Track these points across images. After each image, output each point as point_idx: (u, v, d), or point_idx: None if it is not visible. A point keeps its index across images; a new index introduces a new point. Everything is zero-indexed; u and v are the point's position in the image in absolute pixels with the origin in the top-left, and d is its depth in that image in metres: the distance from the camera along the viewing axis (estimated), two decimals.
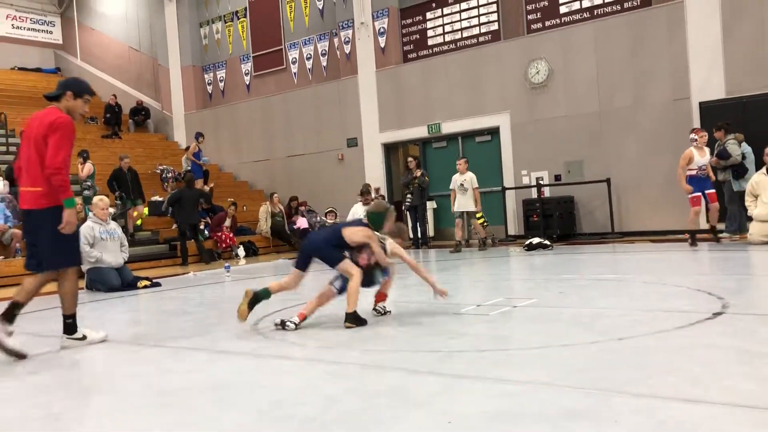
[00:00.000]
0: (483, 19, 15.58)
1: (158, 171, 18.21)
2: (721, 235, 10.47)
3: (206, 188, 15.91)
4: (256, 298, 5.44)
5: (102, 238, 9.36)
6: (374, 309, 5.61)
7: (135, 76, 22.93)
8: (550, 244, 11.87)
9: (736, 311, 4.85)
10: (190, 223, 13.49)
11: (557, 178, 14.09)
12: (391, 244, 5.51)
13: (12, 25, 24.51)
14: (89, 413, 3.36)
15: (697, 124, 12.32)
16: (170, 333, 5.63)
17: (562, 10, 14.44)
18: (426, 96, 15.95)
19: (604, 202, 13.31)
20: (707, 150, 10.52)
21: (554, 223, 13.31)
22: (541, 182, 13.97)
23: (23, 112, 19.05)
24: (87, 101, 5.22)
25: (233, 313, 6.63)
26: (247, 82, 20.11)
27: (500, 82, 14.81)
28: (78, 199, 11.25)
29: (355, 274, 5.22)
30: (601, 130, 13.59)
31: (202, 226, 14.18)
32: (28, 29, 24.94)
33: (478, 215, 13.25)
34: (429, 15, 16.40)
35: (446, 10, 16.12)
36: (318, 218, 16.21)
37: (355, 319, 5.15)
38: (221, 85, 20.80)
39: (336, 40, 17.81)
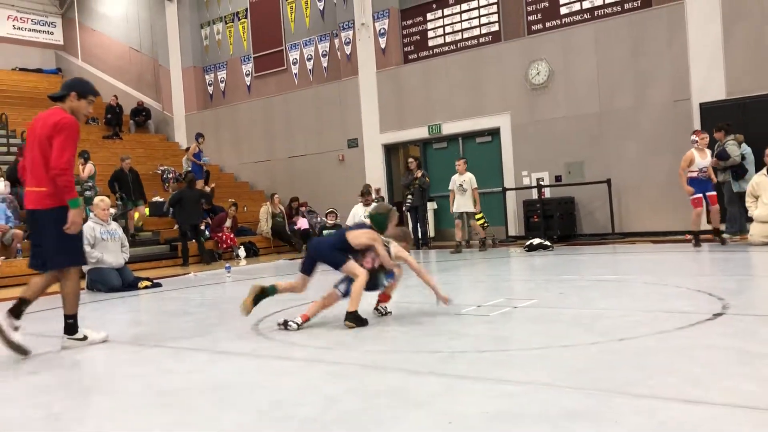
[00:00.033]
0: (483, 20, 15.58)
1: (159, 171, 18.23)
2: (724, 235, 10.45)
3: (207, 189, 15.91)
4: (263, 293, 5.46)
5: (103, 239, 9.37)
6: (375, 309, 5.61)
7: (136, 76, 22.95)
8: (550, 245, 11.87)
9: (737, 312, 4.85)
10: (191, 223, 13.50)
11: (558, 178, 14.10)
12: (395, 247, 5.50)
13: (13, 25, 24.52)
14: (90, 413, 3.36)
15: (697, 124, 12.33)
16: (171, 333, 5.63)
17: (563, 11, 14.45)
18: (426, 97, 15.95)
19: (605, 203, 13.31)
20: (708, 152, 10.50)
21: (555, 223, 13.32)
22: (542, 183, 13.98)
23: (24, 113, 19.09)
24: (91, 102, 5.23)
25: (234, 313, 6.62)
26: (248, 83, 20.13)
27: (501, 83, 14.82)
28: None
29: (361, 274, 5.22)
30: (601, 131, 13.59)
31: (202, 227, 14.18)
32: (29, 30, 24.96)
33: (478, 216, 13.26)
34: (430, 16, 16.41)
35: (447, 11, 16.13)
36: (318, 219, 16.23)
37: (355, 319, 5.15)
38: (222, 85, 20.81)
39: (337, 40, 17.82)
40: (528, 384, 3.31)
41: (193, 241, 13.66)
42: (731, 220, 10.99)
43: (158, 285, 9.65)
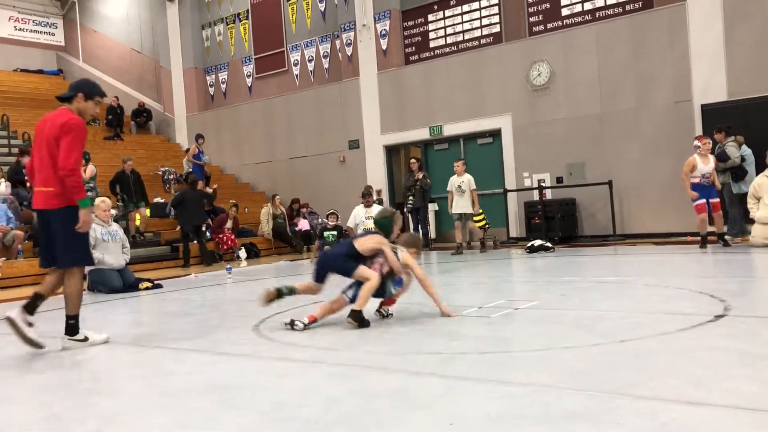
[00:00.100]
0: (485, 21, 15.59)
1: (160, 173, 18.25)
2: (726, 237, 10.42)
3: (209, 190, 15.91)
4: (280, 295, 5.54)
5: (104, 240, 9.37)
6: (378, 310, 5.61)
7: (137, 77, 22.97)
8: (551, 247, 11.86)
9: (738, 314, 4.84)
10: (193, 224, 13.50)
11: (559, 180, 14.09)
12: (403, 253, 5.50)
13: (14, 26, 24.55)
14: (90, 414, 3.36)
15: (698, 126, 12.32)
16: (172, 334, 5.63)
17: (564, 12, 14.45)
18: (427, 98, 15.96)
19: (606, 205, 13.30)
20: (711, 158, 10.44)
21: (556, 225, 13.31)
22: (543, 184, 13.97)
23: (25, 114, 19.12)
24: (98, 103, 5.30)
25: (235, 314, 6.64)
26: (249, 84, 20.14)
27: (502, 84, 14.82)
28: None
29: (372, 277, 5.24)
30: (602, 132, 13.59)
31: (204, 228, 14.18)
32: (31, 31, 24.98)
33: (479, 217, 13.25)
34: (431, 17, 16.42)
35: (448, 12, 16.14)
36: (320, 220, 16.22)
37: (358, 318, 5.16)
38: (223, 87, 20.82)
39: (338, 42, 17.83)
40: (529, 385, 3.30)
41: (195, 242, 13.65)
42: (732, 222, 10.97)
43: (159, 286, 9.66)
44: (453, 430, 2.76)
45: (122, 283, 9.41)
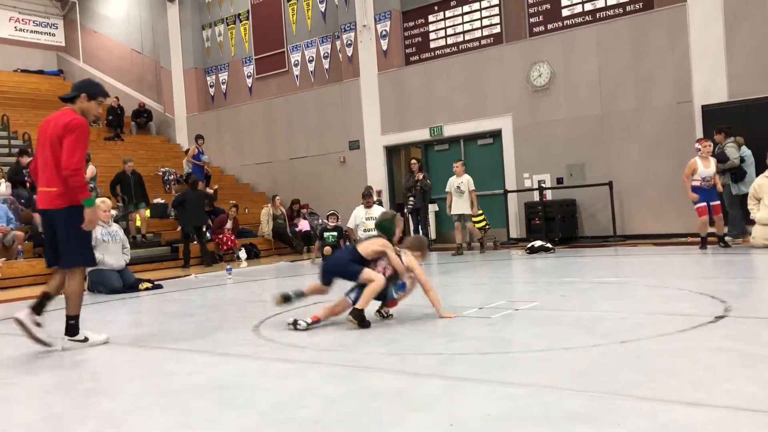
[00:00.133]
0: (485, 21, 15.59)
1: (160, 173, 18.25)
2: (726, 238, 10.41)
3: (209, 190, 15.90)
4: (289, 300, 5.59)
5: (104, 240, 9.37)
6: (378, 311, 5.61)
7: (137, 78, 22.98)
8: (552, 247, 11.85)
9: (739, 314, 4.84)
10: (194, 225, 13.50)
11: (559, 181, 14.09)
12: (407, 256, 5.50)
13: (15, 27, 24.56)
14: (90, 414, 3.36)
15: (699, 127, 12.32)
16: (172, 335, 5.63)
17: (565, 13, 14.45)
18: (428, 98, 15.96)
19: (606, 205, 13.30)
20: (712, 160, 10.42)
21: (556, 226, 13.31)
22: (543, 185, 13.97)
23: (25, 114, 19.11)
24: (100, 103, 5.33)
25: (235, 315, 6.64)
26: (249, 85, 20.14)
27: (502, 85, 14.82)
28: None
29: (377, 279, 5.26)
30: (603, 133, 13.58)
31: (204, 228, 14.18)
32: (31, 32, 24.99)
33: (479, 218, 13.25)
34: (431, 18, 16.42)
35: (448, 13, 16.14)
36: (320, 221, 16.21)
37: (359, 318, 5.16)
38: (223, 87, 20.83)
39: (338, 42, 17.83)
40: (529, 386, 3.30)
41: (195, 242, 13.65)
42: (732, 223, 10.96)
43: (159, 287, 9.65)
44: (453, 430, 2.76)
45: (122, 283, 9.41)
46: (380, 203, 14.52)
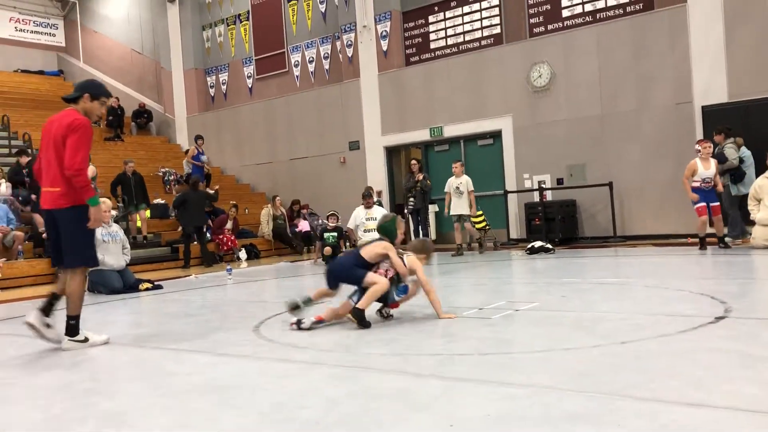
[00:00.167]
0: (485, 22, 15.60)
1: (161, 173, 18.25)
2: (726, 239, 10.41)
3: (210, 191, 15.90)
4: (298, 307, 5.54)
5: (104, 241, 9.37)
6: (379, 311, 5.61)
7: (137, 78, 22.98)
8: (552, 248, 11.85)
9: (739, 315, 4.84)
10: (195, 225, 13.50)
11: (559, 181, 14.09)
12: (409, 258, 5.51)
13: (15, 27, 24.56)
14: (90, 414, 3.36)
15: (699, 127, 12.32)
16: (172, 335, 5.63)
17: (565, 13, 14.46)
18: (428, 99, 15.96)
19: (607, 206, 13.30)
20: (713, 162, 10.42)
21: (556, 226, 13.31)
22: (543, 186, 13.97)
23: (26, 115, 19.12)
24: (103, 103, 5.36)
25: (235, 315, 6.64)
26: (250, 85, 20.15)
27: (502, 86, 14.82)
28: None
29: (381, 282, 5.28)
30: (603, 134, 13.58)
31: (204, 229, 14.18)
32: (32, 32, 25.00)
33: (479, 218, 13.24)
34: (431, 18, 16.43)
35: (449, 14, 16.15)
36: (320, 221, 16.21)
37: (359, 317, 5.18)
38: (224, 87, 20.84)
39: (338, 43, 17.84)
40: (530, 387, 3.30)
41: (195, 243, 13.65)
42: (732, 224, 10.96)
43: (159, 287, 9.65)
44: (453, 431, 2.76)
45: (122, 284, 9.41)
46: (380, 204, 14.52)
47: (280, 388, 3.62)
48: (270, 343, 4.93)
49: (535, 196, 14.04)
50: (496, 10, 15.41)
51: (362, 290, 5.35)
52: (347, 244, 13.52)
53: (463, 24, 15.93)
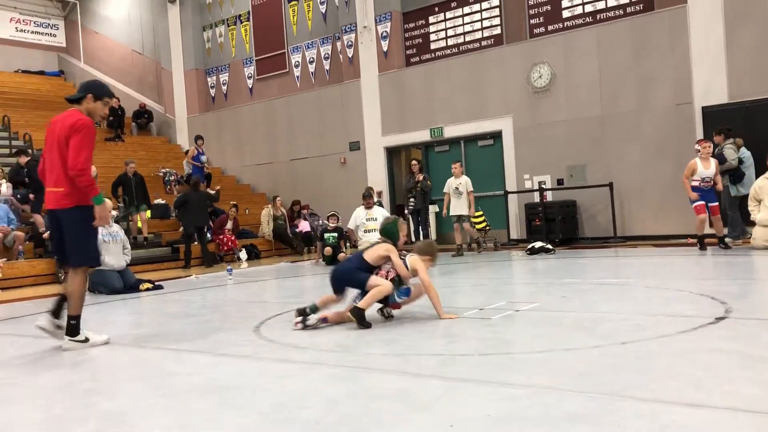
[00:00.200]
0: (486, 23, 15.60)
1: (161, 174, 18.26)
2: (727, 240, 10.41)
3: (211, 191, 15.91)
4: (305, 312, 5.52)
5: (104, 241, 9.37)
6: (380, 310, 5.61)
7: (138, 79, 22.99)
8: (552, 248, 11.85)
9: (739, 316, 4.84)
10: (197, 225, 13.51)
11: (560, 182, 14.09)
12: (412, 258, 5.51)
13: (16, 28, 24.58)
14: (90, 414, 3.36)
15: (699, 128, 12.32)
16: (172, 336, 5.63)
17: (565, 14, 14.47)
18: (428, 99, 15.96)
19: (607, 207, 13.30)
20: (713, 161, 10.42)
21: (557, 227, 13.31)
22: (544, 186, 13.97)
23: (26, 115, 19.13)
24: (107, 104, 5.39)
25: (235, 316, 6.64)
26: (250, 86, 20.15)
27: (503, 86, 14.82)
28: None
29: (384, 284, 5.30)
30: (603, 135, 13.59)
31: (205, 229, 14.18)
32: (32, 32, 25.02)
33: (479, 219, 13.24)
34: (432, 19, 16.43)
35: (449, 14, 16.15)
36: (320, 222, 16.22)
37: (358, 316, 5.18)
38: (224, 88, 20.84)
39: (339, 43, 17.84)
40: (530, 387, 3.30)
41: (196, 243, 13.65)
42: (733, 225, 10.96)
43: (160, 287, 9.66)
44: (453, 431, 2.76)
45: (123, 284, 9.41)
46: (381, 204, 14.53)
47: (280, 389, 3.63)
48: (270, 344, 4.93)
49: (536, 197, 14.04)
50: (497, 11, 15.42)
51: (365, 293, 5.36)
52: (347, 244, 13.53)
53: (463, 24, 15.94)
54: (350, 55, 17.33)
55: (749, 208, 10.37)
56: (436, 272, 9.88)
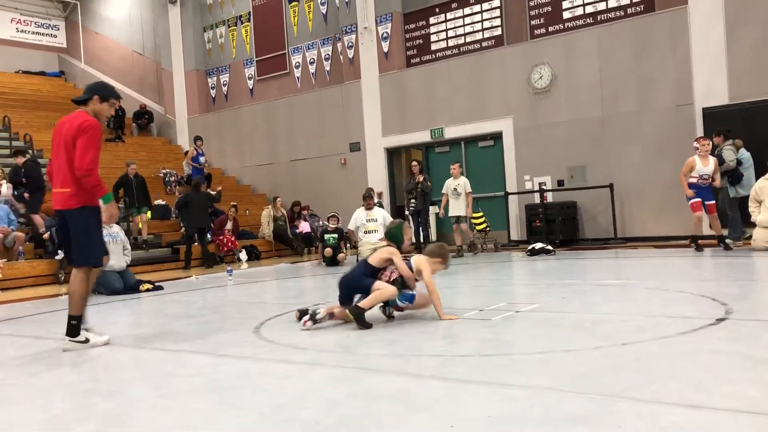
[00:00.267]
0: (486, 24, 15.60)
1: (161, 175, 18.26)
2: (727, 240, 10.40)
3: (213, 192, 15.91)
4: (306, 312, 5.54)
5: (105, 241, 9.36)
6: (382, 308, 5.59)
7: (138, 79, 23.00)
8: (552, 250, 11.84)
9: (740, 317, 4.84)
10: (198, 226, 13.50)
11: (560, 183, 14.09)
12: (416, 258, 5.51)
13: (17, 28, 24.60)
14: (90, 415, 3.36)
15: (700, 129, 12.32)
16: (172, 336, 5.63)
17: (566, 15, 14.46)
18: (429, 100, 15.96)
19: (607, 208, 13.30)
20: (712, 159, 10.42)
21: (557, 228, 13.30)
22: (544, 187, 13.97)
23: (27, 116, 19.14)
24: (113, 105, 5.42)
25: (235, 316, 6.64)
26: (251, 86, 20.16)
27: (503, 87, 14.82)
28: None
29: (388, 289, 5.32)
30: (604, 136, 13.58)
31: (206, 230, 14.18)
32: (33, 33, 25.04)
33: (479, 220, 13.24)
34: (432, 20, 16.43)
35: (449, 15, 16.15)
36: (320, 222, 16.22)
37: (359, 316, 5.18)
38: (225, 89, 20.85)
39: (339, 44, 17.85)
40: (530, 388, 3.30)
41: (197, 244, 13.64)
42: (733, 226, 10.95)
43: (160, 288, 9.65)
44: None
45: (123, 284, 9.41)
46: (381, 205, 14.53)
47: (280, 389, 3.62)
48: (270, 344, 4.93)
49: (536, 198, 14.04)
50: (497, 12, 15.42)
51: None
52: (348, 245, 13.53)
53: (464, 25, 15.94)
54: (351, 56, 17.33)
55: (750, 210, 10.36)
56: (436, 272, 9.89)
